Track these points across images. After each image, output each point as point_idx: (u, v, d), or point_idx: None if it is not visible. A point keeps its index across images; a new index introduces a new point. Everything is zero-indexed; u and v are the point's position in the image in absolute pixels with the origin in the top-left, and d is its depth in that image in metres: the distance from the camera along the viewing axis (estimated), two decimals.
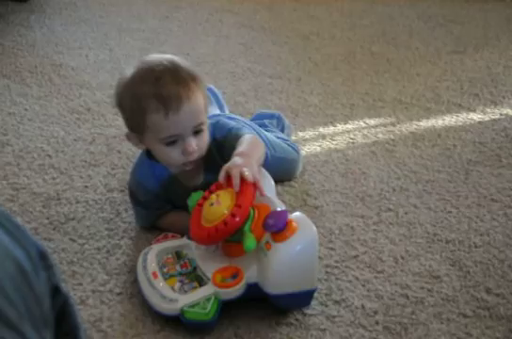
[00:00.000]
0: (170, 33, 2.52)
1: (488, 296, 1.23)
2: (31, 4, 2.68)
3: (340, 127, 1.84)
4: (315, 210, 1.49)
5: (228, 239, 1.18)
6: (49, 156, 1.65)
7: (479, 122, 1.90)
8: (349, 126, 1.85)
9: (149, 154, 1.35)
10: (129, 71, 1.28)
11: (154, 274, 1.20)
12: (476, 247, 1.37)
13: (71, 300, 0.73)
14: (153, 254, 1.24)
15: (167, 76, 1.22)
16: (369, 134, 1.82)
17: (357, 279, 1.28)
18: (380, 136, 1.82)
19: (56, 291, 0.70)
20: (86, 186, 1.53)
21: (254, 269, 1.14)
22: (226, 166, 1.18)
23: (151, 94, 1.21)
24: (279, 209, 1.16)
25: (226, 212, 1.14)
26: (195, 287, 1.18)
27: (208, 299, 1.13)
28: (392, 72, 2.24)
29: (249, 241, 1.12)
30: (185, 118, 1.23)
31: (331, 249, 1.36)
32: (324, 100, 2.02)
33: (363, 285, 1.26)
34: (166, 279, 1.20)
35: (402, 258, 1.34)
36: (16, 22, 2.51)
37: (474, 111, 1.97)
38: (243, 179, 1.15)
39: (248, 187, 1.15)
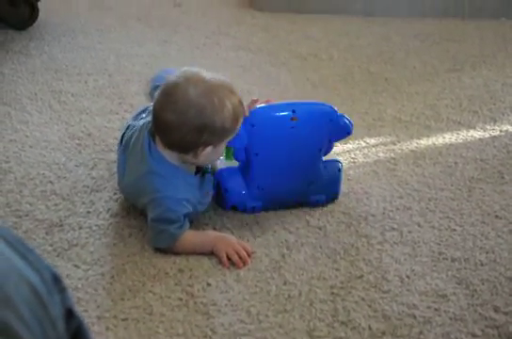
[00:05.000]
0: (169, 57, 2.53)
1: (496, 314, 1.22)
2: (30, 32, 2.70)
3: (340, 147, 1.84)
4: (319, 231, 1.48)
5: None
6: (51, 183, 1.64)
7: (480, 139, 1.91)
8: (349, 146, 1.86)
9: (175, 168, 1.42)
10: (186, 91, 1.35)
11: None
12: (482, 265, 1.36)
13: (84, 323, 0.73)
14: None
15: (231, 85, 1.41)
16: (370, 153, 1.82)
17: (363, 299, 1.27)
18: (381, 155, 1.82)
19: (69, 314, 0.70)
20: (88, 212, 1.53)
21: None
22: None
23: (236, 102, 1.39)
24: None
25: None
26: None
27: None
28: (391, 91, 2.25)
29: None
30: None
31: (336, 269, 1.35)
32: None
33: (369, 306, 1.25)
34: None
35: (407, 277, 1.33)
36: (15, 49, 2.52)
37: (474, 128, 1.98)
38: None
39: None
